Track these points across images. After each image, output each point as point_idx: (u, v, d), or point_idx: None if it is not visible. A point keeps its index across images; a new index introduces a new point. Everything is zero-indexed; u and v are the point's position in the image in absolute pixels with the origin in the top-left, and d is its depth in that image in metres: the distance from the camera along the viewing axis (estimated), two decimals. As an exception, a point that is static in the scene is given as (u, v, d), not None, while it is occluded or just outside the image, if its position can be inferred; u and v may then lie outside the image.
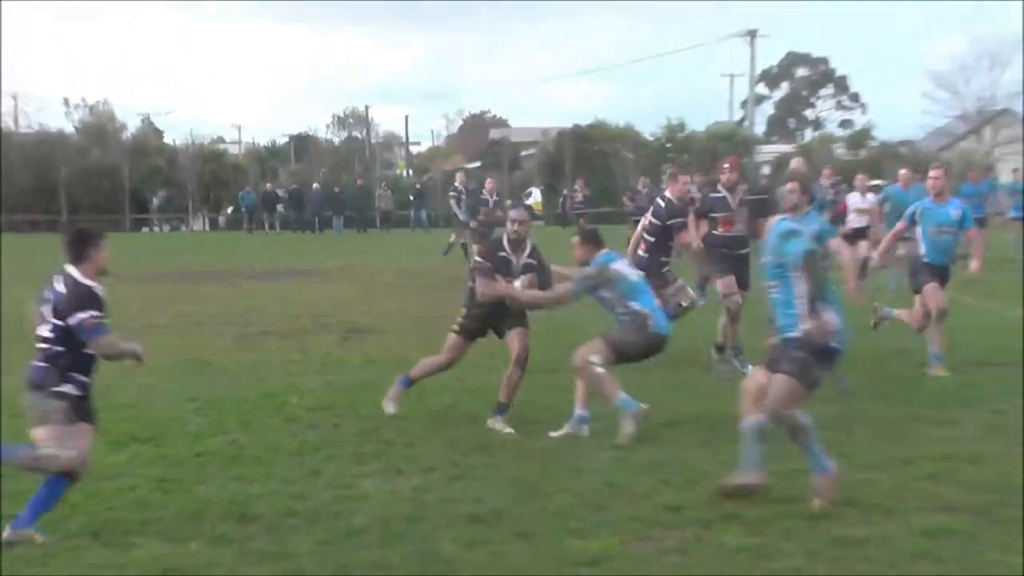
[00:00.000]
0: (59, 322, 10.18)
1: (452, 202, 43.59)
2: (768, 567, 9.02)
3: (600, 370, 13.66)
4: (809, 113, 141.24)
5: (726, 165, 18.87)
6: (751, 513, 10.22)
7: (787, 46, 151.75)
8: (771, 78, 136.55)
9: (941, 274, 18.12)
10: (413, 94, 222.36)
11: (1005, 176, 47.12)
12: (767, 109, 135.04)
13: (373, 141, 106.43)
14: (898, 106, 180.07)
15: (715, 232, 18.54)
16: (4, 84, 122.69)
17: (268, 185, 78.47)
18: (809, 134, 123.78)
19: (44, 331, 10.24)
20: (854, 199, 29.88)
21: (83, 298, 10.26)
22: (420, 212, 73.00)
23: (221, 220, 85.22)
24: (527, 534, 10.03)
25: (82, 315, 10.17)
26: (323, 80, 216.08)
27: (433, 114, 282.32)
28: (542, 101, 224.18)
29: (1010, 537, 9.64)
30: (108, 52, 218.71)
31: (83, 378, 10.36)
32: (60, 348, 10.23)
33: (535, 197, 76.39)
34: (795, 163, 23.57)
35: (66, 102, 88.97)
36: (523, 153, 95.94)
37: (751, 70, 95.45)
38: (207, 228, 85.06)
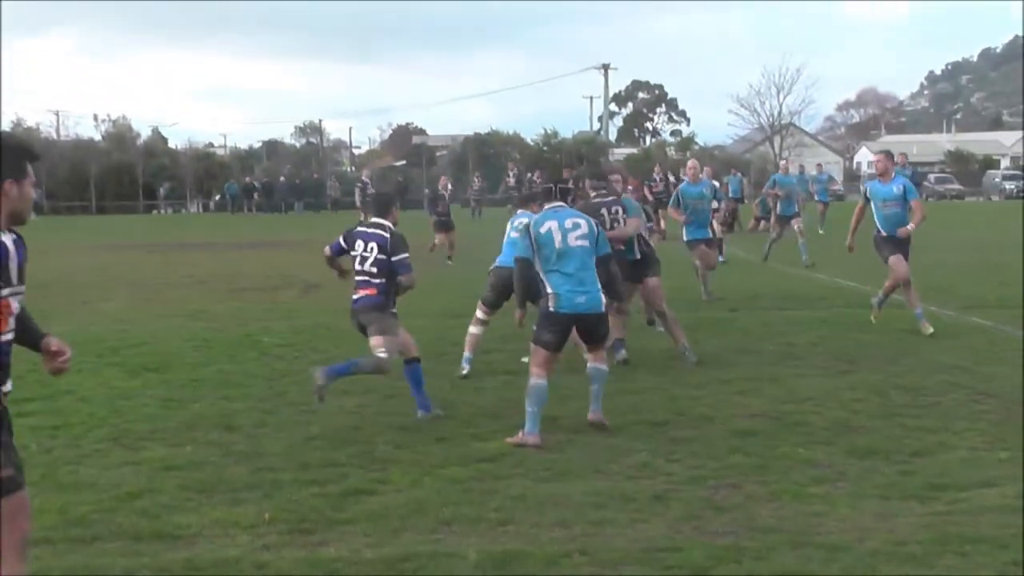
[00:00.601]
0: (384, 258, 10.61)
1: (357, 191, 43.41)
2: (624, 461, 8.98)
3: None
4: (648, 125, 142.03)
5: (629, 187, 16.69)
6: (611, 422, 10.18)
7: (632, 75, 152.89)
8: (620, 99, 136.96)
9: (899, 244, 15.84)
10: (356, 111, 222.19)
11: (811, 169, 47.43)
12: (618, 122, 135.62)
13: (325, 145, 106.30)
14: (713, 120, 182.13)
15: None
16: (47, 103, 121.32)
17: (247, 178, 78.83)
18: (649, 140, 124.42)
19: (372, 269, 10.61)
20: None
21: (400, 242, 10.65)
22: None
23: (211, 205, 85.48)
24: (442, 438, 9.96)
25: (402, 255, 10.60)
26: (289, 100, 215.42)
27: (371, 125, 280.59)
28: (452, 115, 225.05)
29: (797, 436, 9.68)
30: (128, 78, 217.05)
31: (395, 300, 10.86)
32: (386, 280, 10.62)
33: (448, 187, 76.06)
34: (691, 163, 22.17)
35: (95, 117, 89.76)
36: (438, 154, 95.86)
37: (605, 94, 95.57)
38: (201, 211, 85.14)
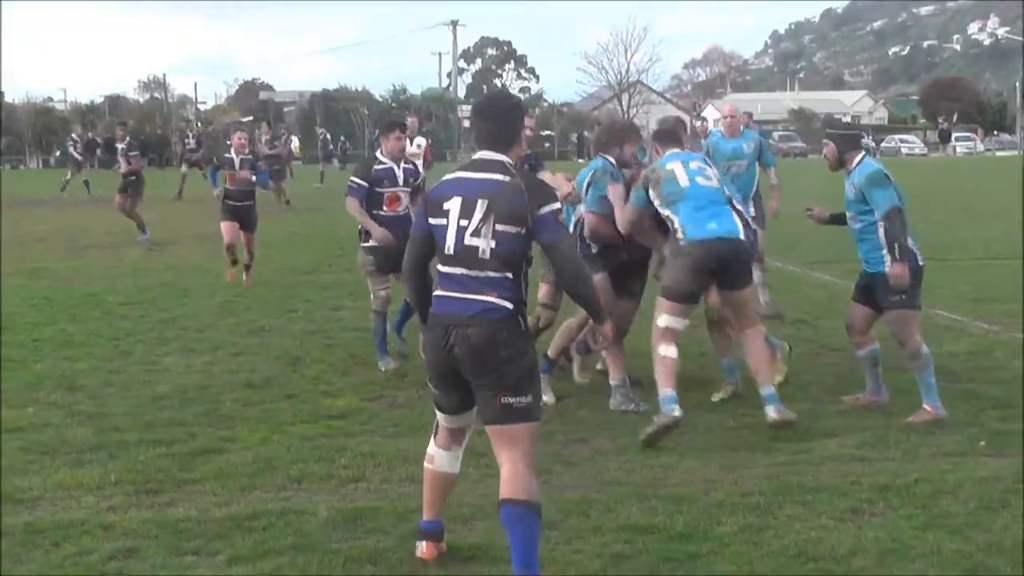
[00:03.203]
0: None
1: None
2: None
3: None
4: (497, 82, 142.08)
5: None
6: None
7: (480, 32, 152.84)
8: (468, 56, 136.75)
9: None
10: (202, 66, 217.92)
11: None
12: (467, 79, 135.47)
13: (170, 101, 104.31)
14: (561, 77, 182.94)
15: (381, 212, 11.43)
16: None
17: (89, 134, 76.94)
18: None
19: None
20: None
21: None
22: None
23: (52, 161, 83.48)
24: (291, 395, 9.93)
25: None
26: (132, 53, 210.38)
27: (216, 81, 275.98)
28: (299, 71, 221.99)
29: (647, 392, 9.79)
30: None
31: None
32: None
33: (295, 143, 75.38)
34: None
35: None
36: (285, 110, 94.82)
37: (454, 50, 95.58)
38: (40, 167, 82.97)
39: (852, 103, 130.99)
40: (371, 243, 11.04)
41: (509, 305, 5.50)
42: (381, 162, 11.24)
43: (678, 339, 8.74)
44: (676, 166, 8.94)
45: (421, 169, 12.38)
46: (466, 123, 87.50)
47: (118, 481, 7.45)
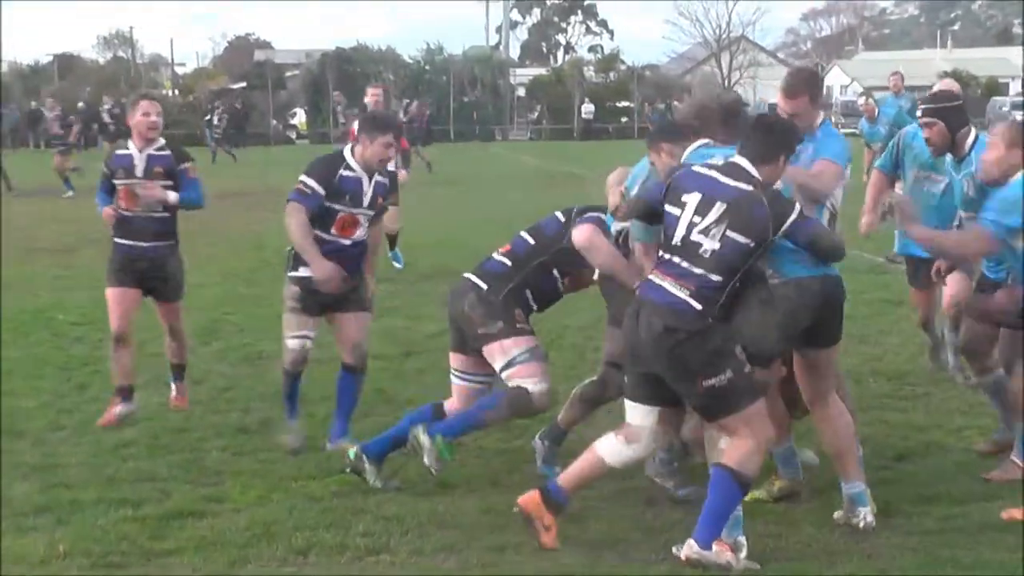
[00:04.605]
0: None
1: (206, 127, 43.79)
2: (527, 470, 9.01)
3: None
4: (561, 38, 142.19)
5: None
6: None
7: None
8: (523, 4, 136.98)
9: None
10: (179, 16, 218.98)
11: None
12: (521, 34, 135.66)
13: (139, 62, 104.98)
14: (642, 32, 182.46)
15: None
16: None
17: (32, 103, 77.48)
18: (561, 58, 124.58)
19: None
20: None
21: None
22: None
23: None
24: (295, 443, 9.94)
25: None
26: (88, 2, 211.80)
27: (199, 36, 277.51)
28: (305, 25, 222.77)
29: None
30: None
31: None
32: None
33: (299, 117, 75.90)
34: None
35: None
36: (288, 74, 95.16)
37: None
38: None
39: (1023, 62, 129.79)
40: (303, 272, 9.83)
41: (698, 306, 7.12)
42: (350, 167, 9.84)
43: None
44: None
45: (400, 166, 11.88)
46: (521, 92, 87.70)
47: (69, 552, 7.49)
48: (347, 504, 8.35)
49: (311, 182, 9.68)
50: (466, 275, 8.98)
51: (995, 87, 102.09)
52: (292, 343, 10.01)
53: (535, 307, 8.97)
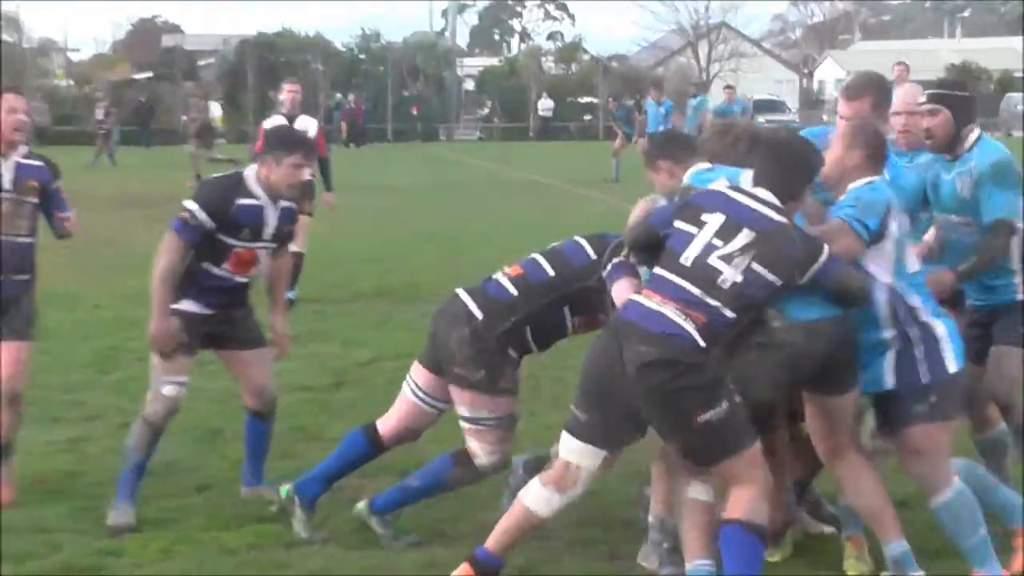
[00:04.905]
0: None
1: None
2: (476, 518, 9.01)
3: None
4: (515, 24, 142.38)
5: None
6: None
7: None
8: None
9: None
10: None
11: (718, 98, 48.04)
12: (470, 19, 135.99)
13: (26, 47, 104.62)
14: (608, 16, 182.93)
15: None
16: None
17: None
18: (517, 47, 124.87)
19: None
20: None
21: None
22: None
23: None
24: (205, 486, 9.97)
25: None
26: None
27: (97, 18, 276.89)
28: (222, 7, 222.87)
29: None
30: None
31: None
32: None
33: (214, 112, 75.81)
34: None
35: None
36: (201, 63, 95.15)
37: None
38: None
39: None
40: (185, 306, 9.32)
41: (703, 343, 6.87)
42: (250, 194, 9.30)
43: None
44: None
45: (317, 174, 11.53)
46: (468, 85, 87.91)
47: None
48: (267, 558, 8.33)
49: (198, 211, 9.09)
50: (460, 295, 8.55)
51: (1009, 82, 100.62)
52: (168, 389, 9.38)
53: (533, 348, 8.59)
